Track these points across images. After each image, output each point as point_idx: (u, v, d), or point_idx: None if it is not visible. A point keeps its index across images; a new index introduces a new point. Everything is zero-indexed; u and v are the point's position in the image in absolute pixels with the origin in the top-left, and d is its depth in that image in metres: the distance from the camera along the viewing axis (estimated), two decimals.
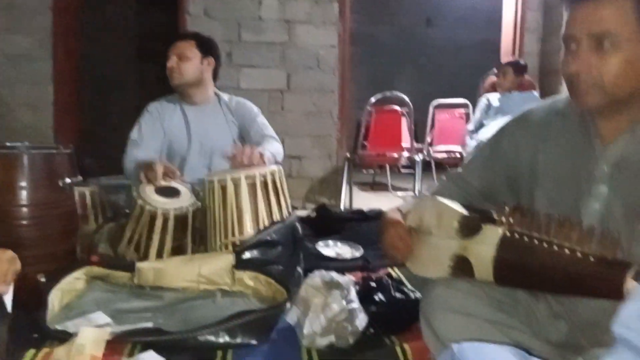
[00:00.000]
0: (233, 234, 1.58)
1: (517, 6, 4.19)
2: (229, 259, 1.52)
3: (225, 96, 2.16)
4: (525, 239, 0.95)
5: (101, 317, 1.31)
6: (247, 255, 1.54)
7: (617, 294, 0.77)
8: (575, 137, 1.05)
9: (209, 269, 1.50)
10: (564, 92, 1.10)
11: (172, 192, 1.68)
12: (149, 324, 1.31)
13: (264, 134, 2.02)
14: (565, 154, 1.05)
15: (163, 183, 1.69)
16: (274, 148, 1.94)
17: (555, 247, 0.89)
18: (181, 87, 2.04)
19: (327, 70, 3.61)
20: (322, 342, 1.26)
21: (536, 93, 3.70)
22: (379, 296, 1.41)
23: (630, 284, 0.71)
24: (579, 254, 0.86)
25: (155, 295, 1.46)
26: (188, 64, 2.01)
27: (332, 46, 3.59)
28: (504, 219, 1.00)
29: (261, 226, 1.60)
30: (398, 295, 1.44)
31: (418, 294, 1.48)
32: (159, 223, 1.56)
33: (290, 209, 1.70)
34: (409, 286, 1.60)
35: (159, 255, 1.58)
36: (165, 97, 2.14)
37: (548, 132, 1.09)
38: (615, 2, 0.91)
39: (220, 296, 1.48)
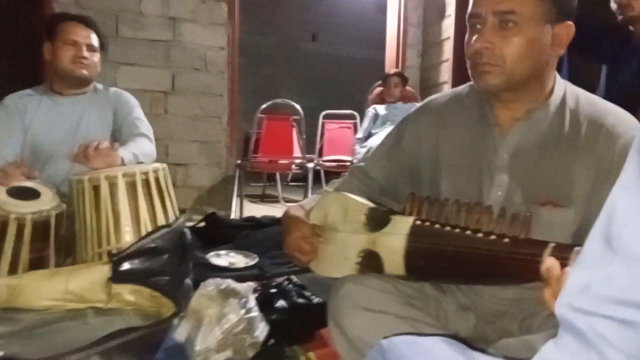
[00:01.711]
0: (108, 242, 1.36)
1: (400, 22, 4.40)
2: (103, 271, 1.29)
3: (100, 86, 1.94)
4: (437, 226, 0.91)
5: None
6: (126, 265, 1.32)
7: (534, 274, 0.74)
8: (475, 127, 1.06)
9: (78, 284, 1.27)
10: None
11: (29, 194, 1.40)
12: (0, 353, 1.06)
13: (134, 132, 1.81)
14: (466, 143, 1.06)
15: (17, 183, 1.42)
16: (141, 148, 1.72)
17: (468, 232, 0.86)
18: (81, 80, 1.82)
19: (215, 72, 3.43)
20: (218, 358, 1.11)
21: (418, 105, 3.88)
22: (280, 303, 1.29)
23: (549, 262, 0.68)
24: (492, 237, 0.83)
25: (9, 318, 1.19)
26: (96, 57, 1.83)
27: (221, 48, 3.42)
28: (413, 209, 0.96)
29: (143, 232, 1.39)
30: (300, 300, 1.34)
31: (320, 299, 1.40)
32: (11, 230, 1.29)
33: (177, 212, 1.51)
34: (310, 293, 1.51)
35: (13, 269, 1.31)
36: (30, 89, 1.86)
37: (448, 120, 1.10)
38: None
39: (92, 315, 1.26)
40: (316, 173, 4.20)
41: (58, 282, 1.27)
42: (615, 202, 0.41)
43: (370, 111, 3.89)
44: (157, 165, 1.49)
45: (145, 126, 1.89)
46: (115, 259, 1.31)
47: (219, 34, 3.42)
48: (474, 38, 0.95)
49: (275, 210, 4.08)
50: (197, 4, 3.36)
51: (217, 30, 3.41)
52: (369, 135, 3.80)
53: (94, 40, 1.83)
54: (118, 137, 1.83)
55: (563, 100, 1.00)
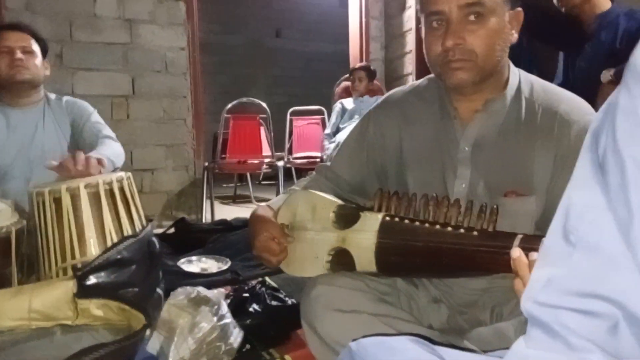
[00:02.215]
0: (73, 256, 1.31)
1: (362, 15, 4.40)
2: (68, 286, 1.24)
3: (53, 95, 1.89)
4: (406, 221, 0.91)
5: None
6: (92, 279, 1.28)
7: (504, 266, 0.75)
8: (436, 120, 1.06)
9: (42, 302, 1.22)
10: None
11: None
12: None
13: (98, 135, 1.77)
14: (428, 137, 1.06)
15: None
16: (111, 150, 1.70)
17: (438, 226, 0.86)
18: (24, 85, 1.77)
19: (177, 74, 3.36)
20: None
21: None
22: (253, 307, 1.28)
23: (515, 253, 0.69)
24: (461, 230, 0.83)
25: None
26: (36, 59, 1.78)
27: (181, 48, 3.36)
28: (382, 204, 0.96)
29: (109, 243, 1.35)
30: (274, 303, 1.32)
31: (295, 300, 1.39)
32: None
33: (143, 221, 1.47)
34: (284, 294, 1.50)
35: None
36: None
37: (410, 114, 1.09)
38: None
39: (60, 333, 1.22)
40: (287, 171, 4.18)
41: (21, 301, 1.22)
42: (570, 197, 0.42)
43: (337, 106, 3.89)
44: (122, 174, 1.44)
45: (107, 128, 1.87)
46: (80, 273, 1.26)
47: (179, 34, 3.36)
48: (440, 36, 0.94)
49: (247, 211, 4.02)
50: (154, 5, 3.28)
51: (176, 30, 3.34)
52: (337, 130, 3.79)
53: (30, 42, 1.78)
54: (80, 143, 1.79)
55: (518, 89, 1.01)
